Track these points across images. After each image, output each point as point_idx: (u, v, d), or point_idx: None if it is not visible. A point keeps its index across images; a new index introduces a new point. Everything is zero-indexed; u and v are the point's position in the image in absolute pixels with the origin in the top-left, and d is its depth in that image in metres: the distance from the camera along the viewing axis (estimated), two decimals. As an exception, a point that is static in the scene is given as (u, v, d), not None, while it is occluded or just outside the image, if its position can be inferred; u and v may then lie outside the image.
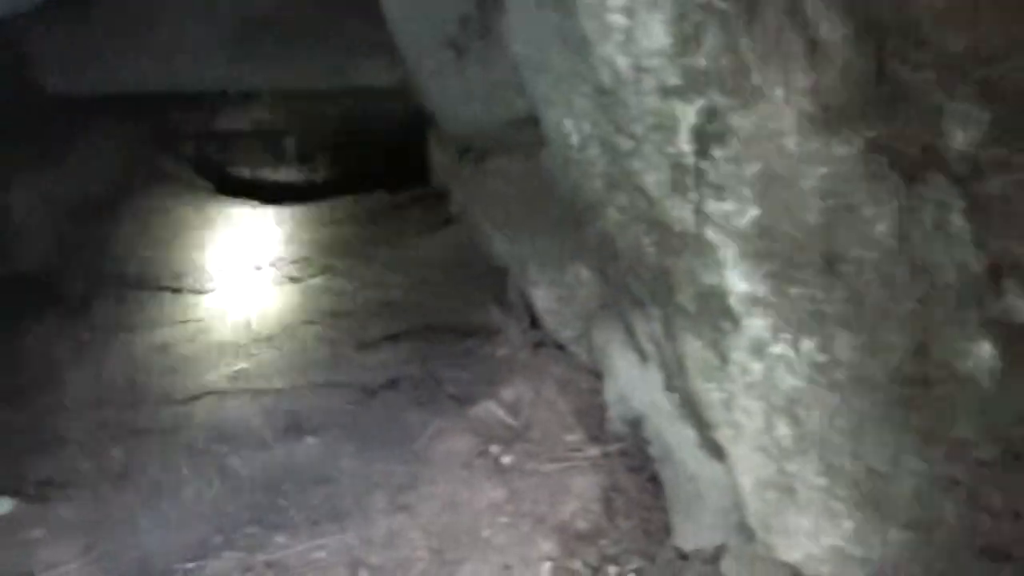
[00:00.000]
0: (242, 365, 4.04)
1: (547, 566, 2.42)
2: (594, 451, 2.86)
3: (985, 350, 0.92)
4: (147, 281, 4.98)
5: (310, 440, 3.38)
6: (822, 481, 1.16)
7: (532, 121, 2.68)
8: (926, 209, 0.92)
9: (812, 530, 1.20)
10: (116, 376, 3.96)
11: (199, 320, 4.50)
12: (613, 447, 2.85)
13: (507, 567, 2.47)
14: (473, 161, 3.51)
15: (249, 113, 6.35)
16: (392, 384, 3.66)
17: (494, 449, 3.12)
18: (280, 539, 2.85)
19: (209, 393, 3.81)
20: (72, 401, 3.72)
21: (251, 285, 4.94)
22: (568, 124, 1.72)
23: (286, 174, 7.44)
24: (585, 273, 2.75)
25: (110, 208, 5.68)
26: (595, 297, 2.80)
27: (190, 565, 2.72)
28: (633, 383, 2.18)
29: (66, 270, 4.92)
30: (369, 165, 7.59)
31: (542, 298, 3.32)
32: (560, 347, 3.45)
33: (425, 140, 5.64)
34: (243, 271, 5.20)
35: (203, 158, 7.07)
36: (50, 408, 3.65)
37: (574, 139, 1.69)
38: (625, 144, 1.41)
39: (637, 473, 2.67)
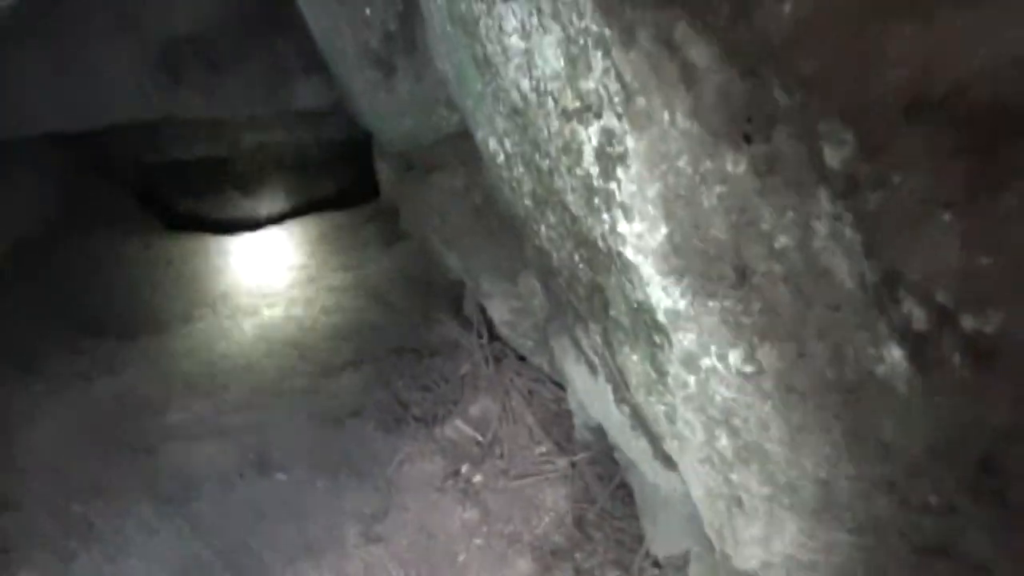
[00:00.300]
0: (204, 404, 3.95)
1: (524, 586, 2.39)
2: (562, 462, 2.84)
3: (896, 355, 0.91)
4: (97, 326, 4.86)
5: (279, 476, 3.32)
6: (766, 490, 1.15)
7: (468, 135, 2.65)
8: (821, 221, 0.91)
9: (762, 538, 1.19)
10: (74, 428, 3.85)
11: (156, 362, 4.40)
12: (581, 456, 2.83)
13: (485, 590, 2.44)
14: (414, 177, 3.47)
15: (186, 142, 6.24)
16: (358, 412, 3.61)
17: (464, 469, 3.09)
18: (256, 584, 2.80)
19: (173, 438, 3.72)
20: (29, 459, 3.61)
21: (208, 322, 4.85)
22: (492, 143, 1.70)
23: (232, 203, 7.33)
24: (535, 283, 2.72)
25: (53, 252, 5.54)
26: (548, 307, 2.78)
27: (164, 622, 2.65)
28: (588, 394, 2.15)
29: (9, 323, 4.77)
30: (317, 186, 7.52)
31: (497, 310, 3.29)
32: (522, 358, 3.43)
33: (371, 157, 5.58)
34: (199, 308, 5.11)
35: (145, 192, 6.94)
36: (7, 467, 3.54)
37: (500, 158, 1.66)
38: (544, 164, 1.39)
39: (606, 482, 2.66)
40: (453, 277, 4.20)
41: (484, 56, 1.47)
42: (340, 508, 3.07)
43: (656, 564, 2.19)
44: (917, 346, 0.85)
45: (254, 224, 6.90)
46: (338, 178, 7.58)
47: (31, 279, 5.13)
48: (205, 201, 7.29)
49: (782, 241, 0.98)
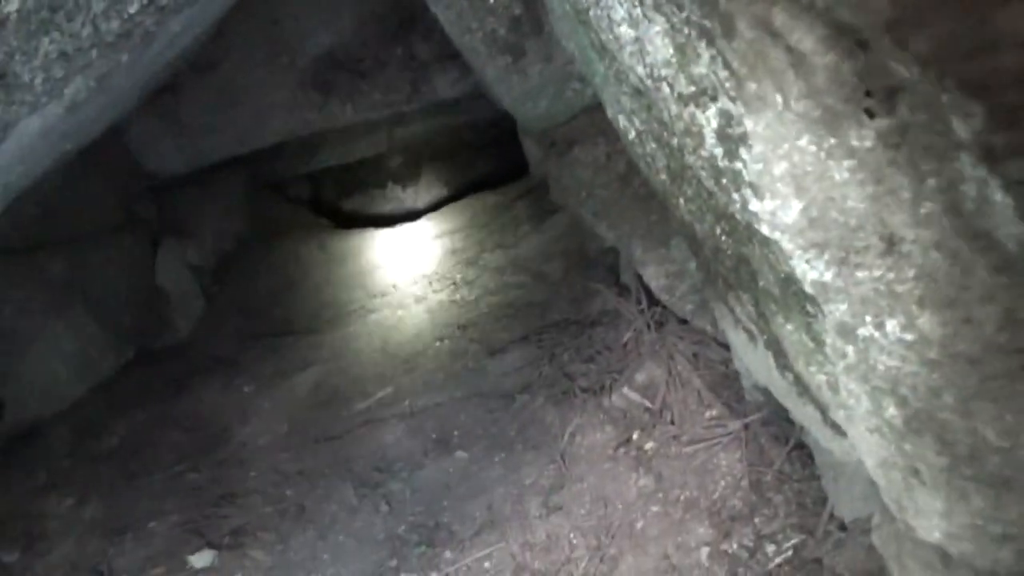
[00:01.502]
0: (387, 390, 4.24)
1: (704, 552, 2.38)
2: (735, 424, 2.77)
3: None
4: (288, 326, 5.35)
5: (460, 454, 3.50)
6: (944, 460, 1.07)
7: (603, 106, 2.62)
8: (967, 185, 0.83)
9: (944, 511, 1.11)
10: (280, 422, 4.28)
11: (341, 354, 4.78)
12: (753, 417, 2.75)
13: (665, 557, 2.46)
14: (558, 153, 3.49)
15: (345, 146, 6.62)
16: (527, 387, 3.72)
17: (635, 437, 3.10)
18: (448, 555, 2.98)
19: (363, 423, 4.03)
20: (246, 452, 4.05)
21: (382, 312, 5.19)
22: (623, 120, 1.68)
23: (393, 195, 7.73)
24: (687, 248, 2.66)
25: (245, 263, 6.15)
26: (700, 274, 2.71)
27: (372, 591, 2.89)
28: (750, 360, 2.09)
29: (219, 331, 5.37)
30: (470, 169, 7.74)
31: (653, 276, 3.25)
32: (683, 321, 3.36)
33: (515, 132, 5.66)
34: (373, 298, 5.47)
35: (314, 196, 7.48)
36: (228, 461, 3.99)
37: (631, 135, 1.64)
38: (673, 141, 1.36)
39: (782, 443, 2.57)
40: (607, 246, 4.19)
41: (600, 42, 1.46)
42: (519, 481, 3.18)
43: (842, 527, 2.10)
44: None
45: (415, 214, 7.25)
46: (490, 159, 7.77)
47: (229, 290, 5.73)
48: (368, 197, 7.75)
49: (928, 207, 0.90)
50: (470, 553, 2.93)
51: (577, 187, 3.49)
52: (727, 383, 3.04)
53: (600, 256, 4.34)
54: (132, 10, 1.76)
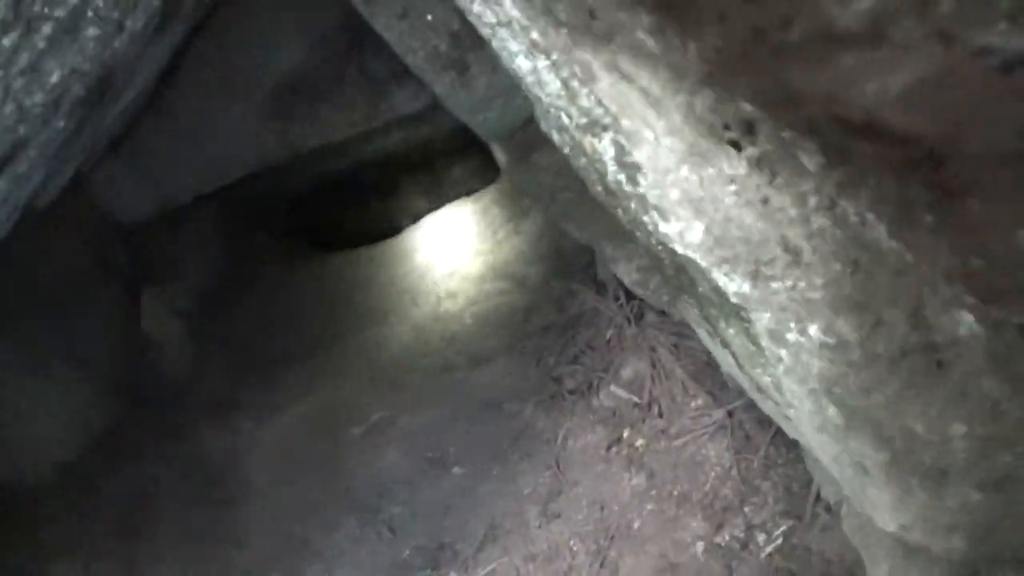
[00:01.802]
0: (380, 413, 4.24)
1: (700, 546, 2.39)
2: (719, 413, 2.78)
3: (967, 319, 0.81)
4: (279, 357, 5.34)
5: (456, 471, 3.51)
6: (883, 456, 1.06)
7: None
8: (844, 202, 0.82)
9: (893, 503, 1.11)
10: (278, 455, 4.28)
11: (332, 380, 4.78)
12: (737, 404, 2.75)
13: (663, 555, 2.47)
14: (517, 158, 3.47)
15: (318, 168, 6.60)
16: (516, 395, 3.72)
17: (626, 434, 3.11)
18: (453, 575, 2.99)
19: (360, 450, 4.03)
20: (247, 490, 4.05)
21: (369, 333, 5.18)
22: (555, 136, 1.68)
23: (374, 211, 7.70)
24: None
25: (228, 298, 6.13)
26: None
27: (381, 619, 2.89)
28: (717, 354, 2.09)
29: (209, 370, 5.36)
30: (446, 177, 7.71)
31: (626, 272, 3.24)
32: (662, 312, 3.36)
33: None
34: (357, 319, 5.47)
35: (291, 222, 7.46)
36: (230, 502, 3.99)
37: (566, 150, 1.64)
38: (591, 158, 1.35)
39: (766, 427, 2.57)
40: (582, 244, 4.18)
41: (510, 68, 1.45)
42: (517, 492, 3.19)
43: (828, 508, 2.10)
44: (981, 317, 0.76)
45: (396, 228, 7.23)
46: (466, 163, 7.74)
47: (216, 328, 5.72)
48: (348, 216, 7.72)
49: (817, 222, 0.90)
50: (475, 571, 2.94)
51: (541, 191, 3.48)
52: (709, 371, 3.04)
53: (577, 255, 4.34)
54: (54, 80, 1.75)
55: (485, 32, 1.37)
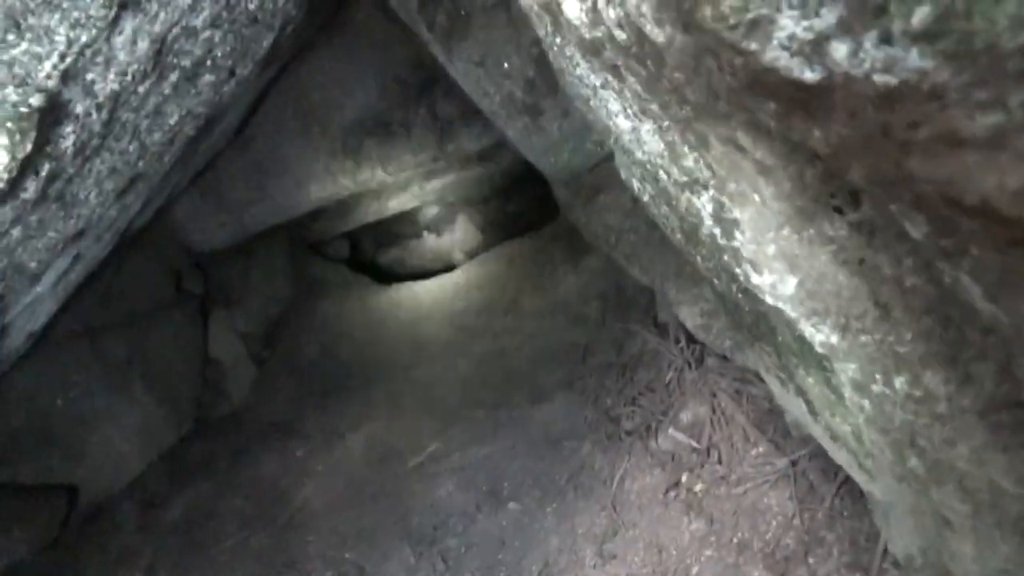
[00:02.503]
0: (437, 444, 4.30)
1: (761, 595, 2.36)
2: (782, 462, 2.76)
3: None
4: (336, 386, 5.48)
5: (512, 506, 3.53)
6: (967, 508, 1.08)
7: (622, 158, 2.68)
8: (940, 264, 0.86)
9: (975, 555, 1.12)
10: (336, 483, 4.36)
11: (390, 410, 4.87)
12: (801, 453, 2.74)
13: (722, 602, 2.44)
14: (584, 200, 3.56)
15: (379, 204, 6.80)
16: (573, 432, 3.75)
17: (685, 479, 3.10)
18: (507, 610, 3.00)
19: (416, 480, 4.08)
20: (305, 516, 4.14)
21: (425, 367, 5.28)
22: (635, 184, 1.74)
23: (429, 246, 7.87)
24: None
25: (292, 326, 6.33)
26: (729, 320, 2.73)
27: (435, 653, 2.91)
28: (786, 401, 2.10)
29: (271, 396, 5.52)
30: (502, 214, 7.86)
31: (688, 315, 3.27)
32: (723, 357, 3.37)
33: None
34: (415, 353, 5.58)
35: (353, 253, 7.67)
36: (289, 526, 4.07)
37: (645, 197, 1.70)
38: (682, 210, 1.41)
39: (831, 478, 2.55)
40: (643, 285, 4.22)
41: (605, 124, 1.53)
42: (572, 530, 3.20)
43: (896, 564, 2.08)
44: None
45: (451, 264, 7.39)
46: (521, 201, 7.89)
47: (279, 354, 5.89)
48: (406, 249, 7.92)
49: (911, 281, 0.94)
50: (528, 607, 2.94)
51: (606, 232, 3.55)
52: (771, 419, 3.03)
53: (636, 295, 4.38)
54: (172, 121, 1.91)
55: (583, 91, 1.45)
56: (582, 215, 3.81)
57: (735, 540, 2.66)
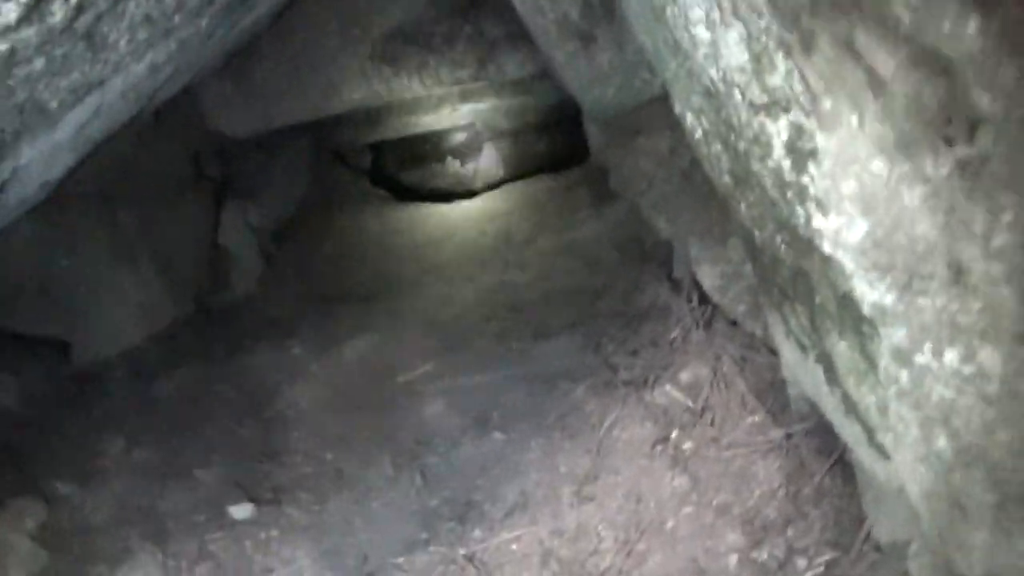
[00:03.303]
0: (432, 365, 4.29)
1: (733, 558, 2.36)
2: (777, 433, 2.73)
3: None
4: (341, 293, 5.46)
5: (497, 435, 3.53)
6: (992, 497, 1.03)
7: (669, 99, 2.58)
8: None
9: (988, 547, 1.07)
10: (326, 387, 4.37)
11: (391, 325, 4.85)
12: (797, 427, 2.70)
13: (693, 560, 2.45)
14: (621, 141, 3.45)
15: (408, 119, 6.67)
16: (570, 374, 3.72)
17: (674, 435, 3.08)
18: (477, 533, 3.02)
19: (407, 396, 4.09)
20: (291, 413, 4.16)
21: (434, 287, 5.24)
22: (690, 118, 1.66)
23: (452, 171, 7.76)
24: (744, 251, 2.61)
25: (305, 228, 6.28)
26: (755, 279, 2.66)
27: (400, 560, 2.94)
28: (799, 371, 2.05)
29: (274, 293, 5.50)
30: (531, 150, 7.72)
31: (707, 275, 3.20)
32: (733, 323, 3.31)
33: (578, 116, 5.62)
34: (426, 273, 5.54)
35: (376, 167, 7.57)
36: (274, 420, 4.10)
37: (698, 134, 1.62)
38: (740, 145, 1.33)
39: (825, 456, 2.51)
40: (663, 238, 4.14)
41: (674, 40, 1.43)
42: (554, 467, 3.20)
43: (878, 548, 2.06)
44: None
45: (472, 191, 7.28)
46: (552, 141, 7.75)
47: (288, 254, 5.87)
48: (428, 171, 7.81)
49: (1000, 241, 0.87)
50: (499, 534, 2.96)
51: (638, 178, 3.45)
52: (773, 390, 2.99)
53: (655, 248, 4.30)
54: (214, -23, 1.81)
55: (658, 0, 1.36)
56: (615, 157, 3.71)
57: (716, 502, 2.64)
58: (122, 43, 1.71)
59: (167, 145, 4.86)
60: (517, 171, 7.43)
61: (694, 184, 3.26)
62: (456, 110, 6.55)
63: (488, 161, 7.75)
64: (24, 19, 1.22)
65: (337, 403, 4.13)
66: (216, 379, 4.48)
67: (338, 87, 4.93)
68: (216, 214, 5.39)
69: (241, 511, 3.33)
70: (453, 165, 7.90)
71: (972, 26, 0.66)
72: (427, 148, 7.71)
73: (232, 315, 5.22)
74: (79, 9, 1.36)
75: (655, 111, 3.15)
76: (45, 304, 4.02)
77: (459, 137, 7.95)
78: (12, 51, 1.31)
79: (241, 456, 3.81)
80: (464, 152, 8.02)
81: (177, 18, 1.84)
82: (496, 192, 6.68)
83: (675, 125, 3.08)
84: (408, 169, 7.79)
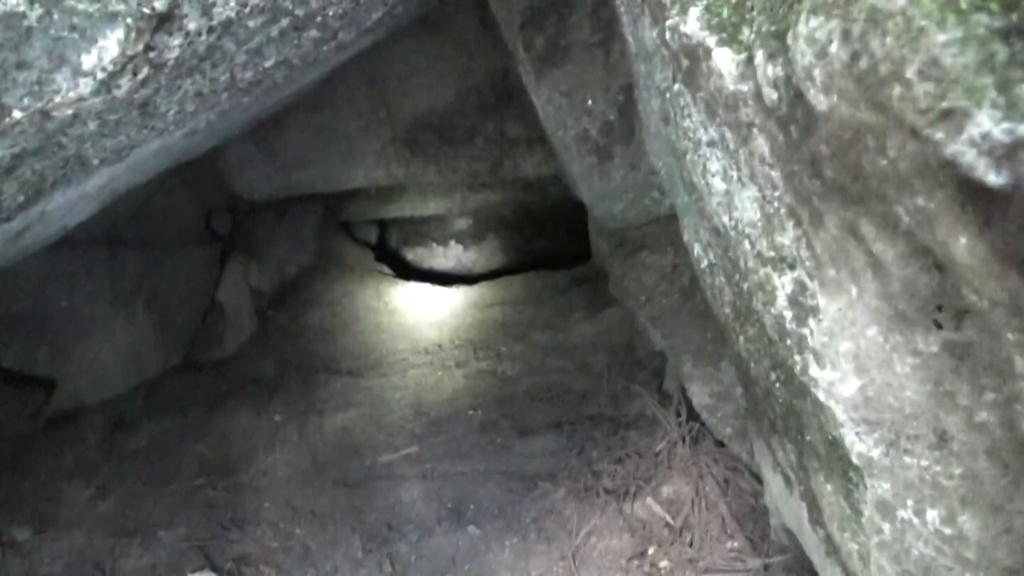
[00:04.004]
0: (413, 449, 4.26)
1: None
2: (755, 562, 2.72)
3: None
4: (331, 364, 5.45)
5: (472, 530, 3.48)
6: (962, 662, 1.05)
7: (677, 218, 2.69)
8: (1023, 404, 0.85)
9: None
10: (303, 457, 4.32)
11: (376, 403, 4.83)
12: (776, 559, 2.69)
13: None
14: (625, 253, 3.56)
15: (418, 201, 6.83)
16: (551, 475, 3.71)
17: (651, 552, 3.06)
18: (442, 632, 2.94)
19: (383, 477, 4.04)
20: (265, 480, 4.09)
21: (423, 370, 5.25)
22: (697, 248, 1.74)
23: (455, 255, 7.89)
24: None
25: (303, 294, 6.32)
26: (746, 407, 2.71)
27: (361, 653, 2.85)
28: (783, 504, 2.07)
29: (263, 355, 5.50)
30: (533, 244, 7.88)
31: (698, 392, 3.25)
32: (720, 443, 3.34)
33: (583, 219, 5.77)
34: (416, 354, 5.55)
35: (380, 242, 7.70)
36: (246, 487, 4.03)
37: (703, 264, 1.70)
38: (744, 285, 1.40)
39: (801, 592, 2.50)
40: (655, 350, 4.21)
41: (691, 181, 1.53)
42: (526, 570, 3.15)
43: None
44: None
45: (471, 278, 7.38)
46: (554, 236, 7.92)
47: (282, 317, 5.89)
48: (430, 252, 7.94)
49: (982, 416, 0.93)
50: (465, 636, 2.89)
51: (638, 290, 3.54)
52: (754, 517, 2.99)
53: (646, 359, 4.35)
54: (267, 65, 1.93)
55: (680, 144, 1.46)
56: (618, 267, 3.80)
57: (689, 626, 2.61)
58: (171, 114, 1.81)
59: (181, 199, 4.97)
60: (517, 263, 7.57)
61: (692, 303, 3.35)
62: (467, 198, 6.73)
63: (490, 250, 7.90)
64: (95, 92, 1.31)
65: (312, 476, 4.07)
66: (193, 436, 4.43)
67: (357, 162, 5.09)
68: (218, 270, 5.44)
69: (202, 579, 3.25)
70: (456, 249, 8.04)
71: (962, 242, 0.73)
72: (432, 230, 7.86)
73: (218, 372, 5.20)
74: (142, 84, 1.45)
75: (661, 229, 3.27)
76: (38, 342, 4.02)
77: (464, 223, 8.12)
78: (75, 116, 1.39)
79: (208, 520, 3.74)
80: (467, 239, 8.17)
81: (224, 97, 1.95)
82: (495, 282, 6.77)
83: (678, 245, 3.20)
84: (411, 247, 7.92)
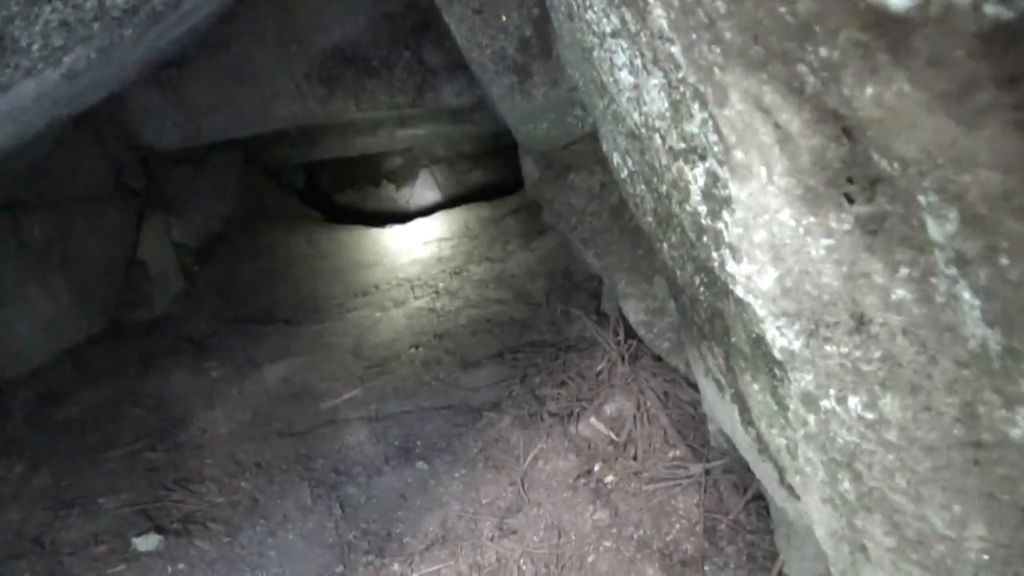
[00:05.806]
0: (356, 392, 4.21)
1: (651, 593, 2.37)
2: (697, 468, 2.77)
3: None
4: (266, 315, 5.32)
5: (420, 465, 3.48)
6: (890, 541, 1.07)
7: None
8: (939, 279, 0.83)
9: (886, 588, 1.11)
10: (244, 411, 4.23)
11: (315, 349, 4.74)
12: (716, 463, 2.75)
13: (612, 595, 2.45)
14: (554, 175, 3.49)
15: (344, 141, 6.61)
16: (495, 405, 3.71)
17: (597, 468, 3.10)
18: (396, 567, 2.95)
19: (327, 422, 3.99)
20: (206, 438, 4.00)
21: (361, 312, 5.16)
22: (616, 157, 1.68)
23: (387, 195, 7.71)
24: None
25: (230, 246, 6.10)
26: (678, 317, 2.72)
27: (315, 595, 2.84)
28: (717, 409, 2.09)
29: (194, 313, 5.32)
30: (466, 179, 7.75)
31: (633, 310, 3.26)
32: (658, 358, 3.37)
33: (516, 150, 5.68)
34: (353, 297, 5.45)
35: (309, 187, 7.46)
36: (187, 445, 3.93)
37: (624, 173, 1.65)
38: (662, 188, 1.36)
39: (741, 492, 2.57)
40: (592, 272, 4.20)
41: (601, 82, 1.46)
42: (476, 500, 3.17)
43: (790, 585, 2.10)
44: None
45: (406, 216, 7.24)
46: (487, 169, 7.80)
47: (210, 272, 5.68)
48: (362, 193, 7.74)
49: (899, 294, 0.91)
50: (418, 568, 2.90)
51: (569, 212, 3.50)
52: (694, 425, 3.05)
53: (584, 282, 4.35)
54: (140, -12, 1.76)
55: (588, 40, 1.38)
56: (548, 191, 3.74)
57: (636, 536, 2.66)
58: (35, 48, 1.63)
59: (86, 154, 4.67)
60: (452, 198, 7.45)
61: (622, 221, 3.32)
62: (393, 135, 6.53)
63: (423, 187, 7.74)
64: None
65: (255, 428, 3.99)
66: (127, 401, 4.29)
67: (272, 102, 4.83)
68: (137, 228, 5.18)
69: (146, 543, 3.18)
70: (388, 189, 7.86)
71: (869, 92, 0.69)
72: (363, 171, 7.64)
73: (147, 333, 5.01)
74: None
75: (587, 147, 3.20)
76: (-58, 318, 3.79)
77: (395, 162, 7.92)
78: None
79: (149, 483, 3.64)
80: (399, 176, 7.99)
81: (97, 25, 1.77)
82: (430, 218, 6.66)
83: (606, 162, 3.15)
84: (342, 190, 7.70)
